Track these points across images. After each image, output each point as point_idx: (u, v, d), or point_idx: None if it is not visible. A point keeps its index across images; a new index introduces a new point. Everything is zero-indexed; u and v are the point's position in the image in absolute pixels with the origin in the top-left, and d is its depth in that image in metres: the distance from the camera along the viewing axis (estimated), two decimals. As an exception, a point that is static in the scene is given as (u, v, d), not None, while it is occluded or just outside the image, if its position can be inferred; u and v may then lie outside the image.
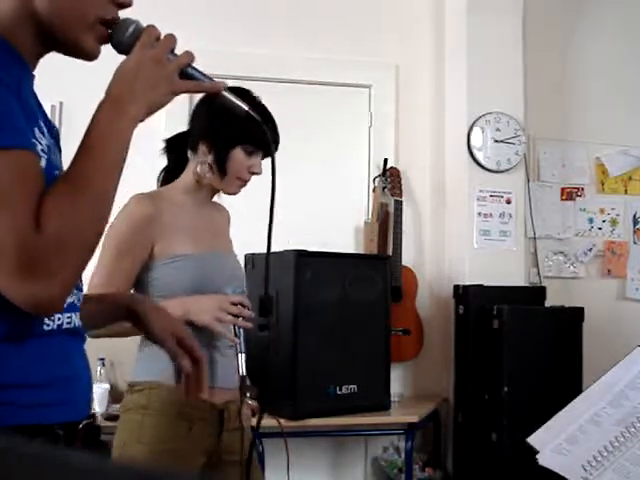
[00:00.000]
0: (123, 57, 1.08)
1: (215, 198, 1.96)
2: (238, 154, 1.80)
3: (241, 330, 1.77)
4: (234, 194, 1.89)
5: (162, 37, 1.07)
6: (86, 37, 1.04)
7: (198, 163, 1.84)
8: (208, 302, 1.73)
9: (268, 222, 1.22)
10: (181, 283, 1.75)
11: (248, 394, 2.01)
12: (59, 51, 1.07)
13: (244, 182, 1.86)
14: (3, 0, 1.01)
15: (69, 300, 1.04)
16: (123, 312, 1.32)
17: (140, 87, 1.02)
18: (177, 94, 1.07)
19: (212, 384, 1.79)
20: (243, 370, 1.77)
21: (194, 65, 1.09)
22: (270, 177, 1.19)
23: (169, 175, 1.92)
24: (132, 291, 1.82)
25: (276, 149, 1.83)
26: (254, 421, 2.04)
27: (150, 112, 1.05)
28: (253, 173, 1.84)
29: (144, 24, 1.08)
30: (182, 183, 1.88)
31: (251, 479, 1.85)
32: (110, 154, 0.98)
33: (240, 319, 1.75)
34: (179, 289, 1.75)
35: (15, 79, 0.97)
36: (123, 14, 1.09)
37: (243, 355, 1.77)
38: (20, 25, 1.02)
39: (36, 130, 0.99)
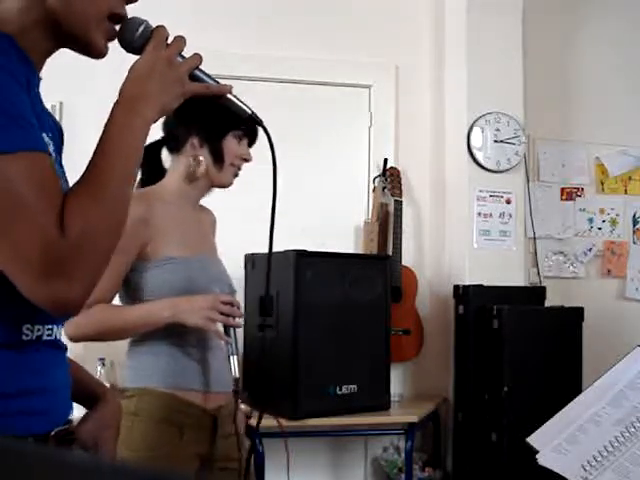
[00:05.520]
0: (121, 57, 1.08)
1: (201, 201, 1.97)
2: (230, 141, 1.87)
3: (232, 331, 1.74)
4: (229, 185, 1.92)
5: (171, 38, 1.07)
6: (96, 33, 1.04)
7: (190, 159, 1.85)
8: (199, 302, 1.70)
9: (270, 220, 1.22)
10: (171, 285, 1.74)
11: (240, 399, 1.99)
12: (68, 47, 1.07)
13: (237, 170, 1.91)
14: None
15: None
16: (85, 395, 1.24)
17: (154, 89, 1.02)
18: (187, 96, 1.07)
19: (207, 388, 1.77)
20: (236, 372, 1.74)
21: (201, 67, 1.09)
22: (270, 177, 1.19)
23: (144, 186, 1.90)
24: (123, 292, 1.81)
25: (254, 141, 1.92)
26: (251, 421, 2.04)
27: (163, 113, 1.05)
28: (244, 160, 1.90)
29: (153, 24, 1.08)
30: (169, 184, 1.88)
31: None
32: (126, 155, 0.99)
33: (231, 318, 1.73)
34: (169, 291, 1.73)
35: (25, 79, 0.96)
36: (130, 14, 1.08)
37: (235, 357, 1.74)
38: (30, 23, 1.01)
39: (44, 135, 0.98)
